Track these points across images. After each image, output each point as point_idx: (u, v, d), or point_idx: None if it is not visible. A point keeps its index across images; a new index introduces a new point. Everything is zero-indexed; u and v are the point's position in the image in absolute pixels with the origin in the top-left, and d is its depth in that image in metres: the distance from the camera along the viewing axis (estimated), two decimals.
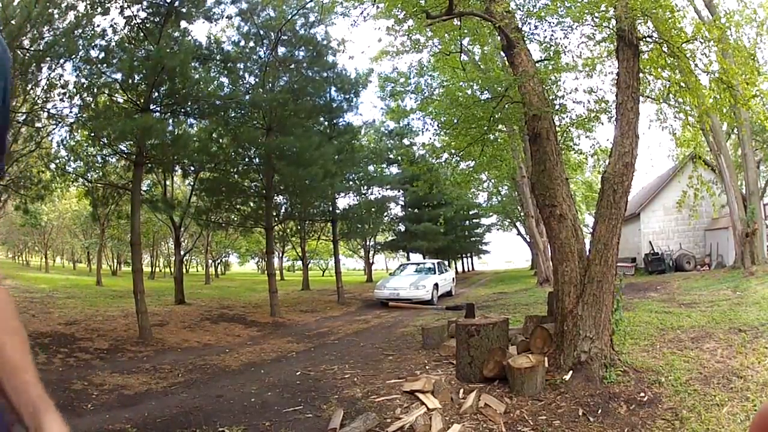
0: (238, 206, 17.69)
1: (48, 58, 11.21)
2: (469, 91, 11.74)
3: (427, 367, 7.71)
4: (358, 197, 26.14)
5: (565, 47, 9.19)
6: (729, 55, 7.83)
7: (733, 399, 5.19)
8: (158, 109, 12.59)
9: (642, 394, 5.55)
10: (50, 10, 10.88)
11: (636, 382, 5.94)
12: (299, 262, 37.89)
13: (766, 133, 20.91)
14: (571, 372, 6.09)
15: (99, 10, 11.43)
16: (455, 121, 10.32)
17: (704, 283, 15.99)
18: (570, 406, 5.42)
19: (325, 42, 17.79)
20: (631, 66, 6.79)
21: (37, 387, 1.09)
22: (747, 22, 17.39)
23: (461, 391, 6.21)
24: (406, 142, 34.21)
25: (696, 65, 7.57)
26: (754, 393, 5.29)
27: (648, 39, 7.35)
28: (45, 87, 11.88)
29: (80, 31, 11.24)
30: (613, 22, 7.26)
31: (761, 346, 6.98)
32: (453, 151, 11.36)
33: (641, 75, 7.29)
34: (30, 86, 11.77)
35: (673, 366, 6.41)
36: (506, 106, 9.06)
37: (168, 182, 18.91)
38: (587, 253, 6.67)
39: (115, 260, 46.38)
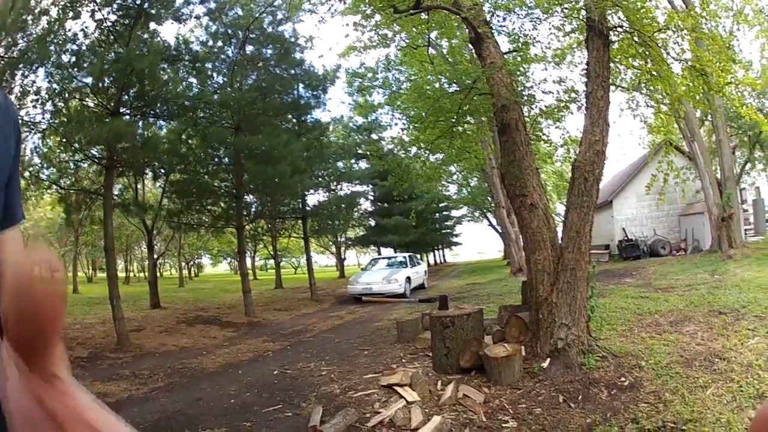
0: (208, 207, 17.46)
1: (21, 65, 11.02)
2: (437, 84, 11.79)
3: (403, 360, 7.73)
4: (327, 194, 25.91)
5: (535, 38, 9.27)
6: (703, 43, 7.90)
7: (717, 380, 5.23)
8: (128, 112, 12.44)
9: (623, 379, 5.61)
10: (24, 17, 10.70)
11: (615, 367, 6.00)
12: (271, 261, 37.49)
13: (741, 119, 21.19)
14: (548, 359, 6.14)
15: (71, 14, 11.26)
16: (423, 114, 10.36)
17: (681, 267, 16.19)
18: (550, 393, 5.46)
19: (292, 39, 17.62)
20: (602, 56, 6.85)
21: None
22: (724, 10, 17.64)
23: (439, 382, 6.23)
24: (374, 137, 34.09)
25: (668, 54, 7.66)
26: (738, 374, 5.32)
27: (618, 29, 7.43)
28: (18, 94, 11.64)
29: (52, 36, 11.07)
30: (583, 12, 7.32)
31: (743, 328, 7.07)
32: (422, 144, 11.39)
33: (612, 64, 7.36)
34: None
35: (652, 350, 6.49)
36: (475, 97, 9.13)
37: (139, 185, 18.73)
38: (560, 242, 6.73)
39: (91, 267, 45.68)
